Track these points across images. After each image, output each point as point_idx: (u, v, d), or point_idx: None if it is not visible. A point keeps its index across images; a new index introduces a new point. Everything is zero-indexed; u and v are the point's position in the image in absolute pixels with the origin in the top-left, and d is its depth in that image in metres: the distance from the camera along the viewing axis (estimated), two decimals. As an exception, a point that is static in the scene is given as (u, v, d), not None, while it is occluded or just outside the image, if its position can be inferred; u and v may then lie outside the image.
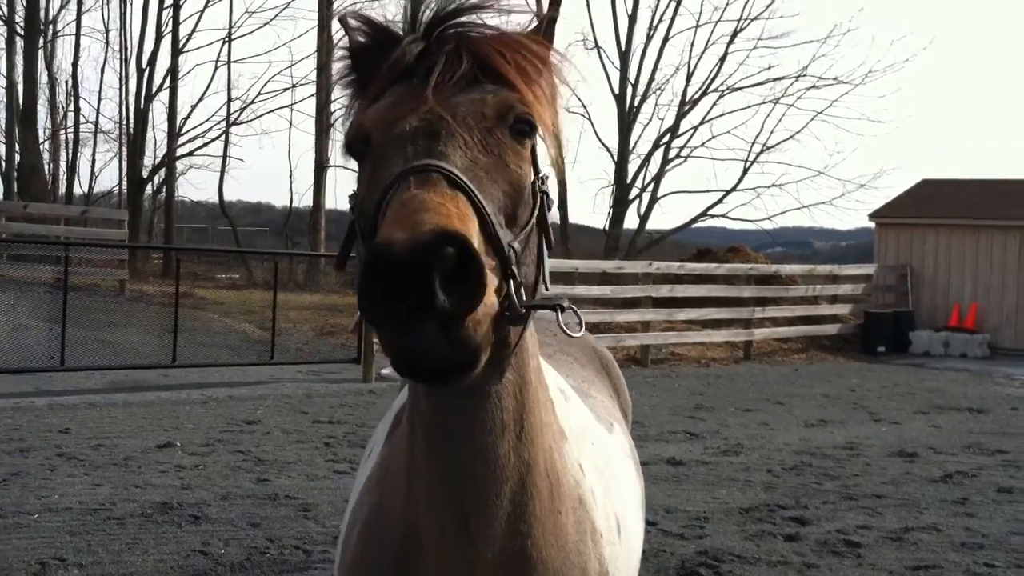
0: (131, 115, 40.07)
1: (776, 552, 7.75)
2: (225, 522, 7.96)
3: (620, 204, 31.22)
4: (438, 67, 2.08)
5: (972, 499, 9.77)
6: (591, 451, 2.82)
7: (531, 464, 2.30)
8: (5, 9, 38.10)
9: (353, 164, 2.23)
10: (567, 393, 2.91)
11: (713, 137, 33.04)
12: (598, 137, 34.61)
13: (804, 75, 31.59)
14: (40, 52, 40.94)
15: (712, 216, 31.85)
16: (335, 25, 2.38)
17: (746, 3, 31.87)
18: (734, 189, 31.57)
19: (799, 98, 31.97)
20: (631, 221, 31.91)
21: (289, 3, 41.16)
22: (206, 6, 39.21)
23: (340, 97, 2.35)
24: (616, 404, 3.75)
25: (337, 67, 2.33)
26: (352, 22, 2.27)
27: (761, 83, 31.97)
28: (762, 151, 31.76)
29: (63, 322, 14.66)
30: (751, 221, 32.26)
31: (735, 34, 31.69)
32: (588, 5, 41.02)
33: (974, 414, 15.66)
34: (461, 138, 2.00)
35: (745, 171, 31.77)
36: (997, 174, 37.61)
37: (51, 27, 43.53)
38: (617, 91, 31.80)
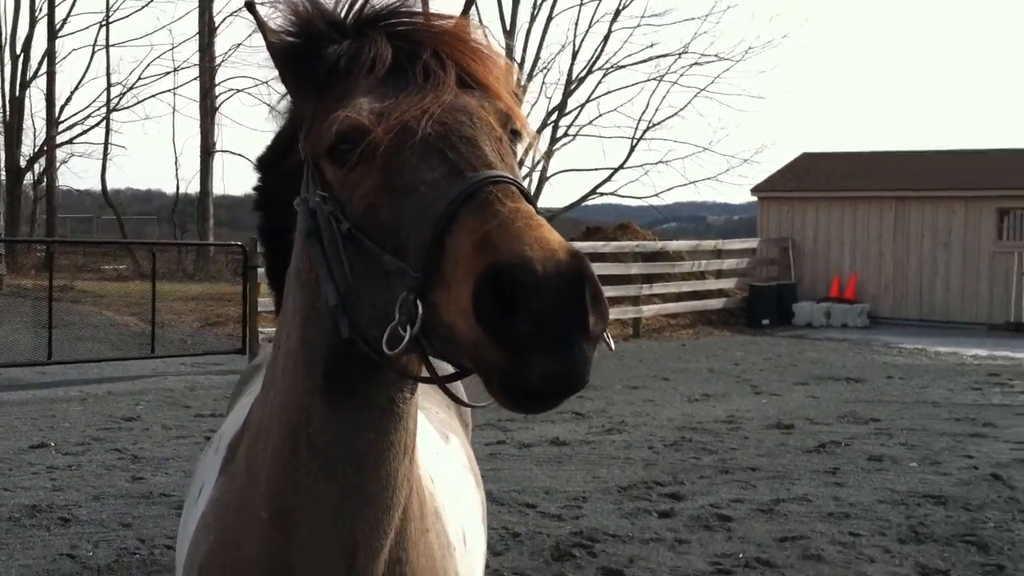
0: (7, 103, 38.81)
1: (650, 529, 7.89)
2: (96, 523, 7.81)
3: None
4: (433, 69, 1.99)
5: (843, 468, 10.05)
6: (436, 461, 2.74)
7: (412, 484, 2.23)
8: None
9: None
10: None
11: (600, 115, 33.20)
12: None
13: (686, 52, 32.00)
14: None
15: (601, 194, 32.18)
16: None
17: (628, -20, 32.12)
18: (622, 167, 31.88)
19: (682, 75, 32.40)
20: (521, 200, 31.97)
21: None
22: (81, -11, 38.14)
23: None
24: (453, 415, 3.60)
25: (264, 56, 2.18)
26: (275, 13, 2.14)
27: (644, 60, 32.31)
28: (648, 128, 32.13)
29: (-70, 322, 14.16)
30: (640, 198, 32.63)
31: (618, 12, 31.97)
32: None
33: (851, 383, 16.10)
34: (490, 145, 1.90)
35: (632, 148, 32.11)
36: (874, 147, 38.56)
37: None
38: (503, 70, 31.85)
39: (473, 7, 30.56)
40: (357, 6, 2.13)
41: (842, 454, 10.75)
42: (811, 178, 28.27)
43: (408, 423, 2.16)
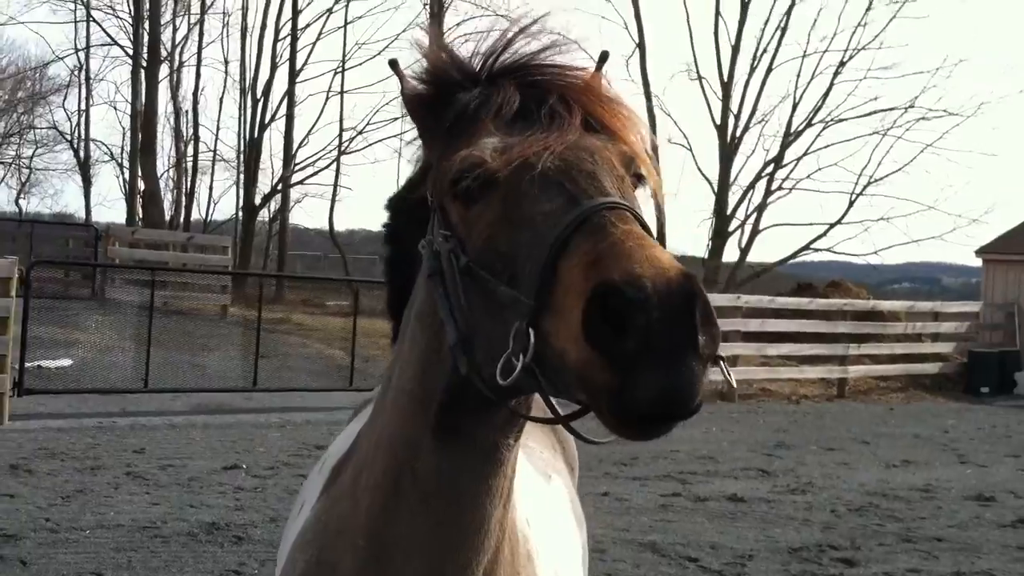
0: (246, 144, 41.25)
1: (812, 594, 7.59)
2: (267, 543, 8.12)
3: (719, 236, 30.85)
4: (559, 112, 2.02)
5: (1040, 547, 9.40)
6: (533, 503, 2.75)
7: (505, 529, 2.24)
8: (131, 41, 39.83)
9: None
10: None
11: (819, 169, 32.46)
12: (698, 167, 34.27)
13: (913, 107, 30.90)
14: (166, 83, 42.58)
15: (816, 249, 31.34)
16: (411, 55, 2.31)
17: (853, 33, 31.31)
18: (839, 222, 31.00)
19: (908, 130, 31.25)
20: (731, 254, 31.57)
21: (399, 36, 41.76)
22: (319, 38, 40.22)
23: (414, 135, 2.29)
24: (558, 456, 3.57)
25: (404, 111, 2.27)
26: (413, 66, 2.24)
27: (868, 114, 31.37)
28: (869, 183, 31.16)
29: (148, 344, 15.12)
30: (856, 255, 31.59)
31: (842, 64, 31.22)
32: (691, 35, 40.69)
33: (1070, 459, 15.02)
34: (610, 180, 1.91)
35: (851, 204, 31.18)
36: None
37: (176, 58, 45.13)
38: (719, 121, 31.58)
39: (693, 63, 30.49)
40: (491, 58, 2.18)
41: (1042, 532, 10.04)
42: (1041, 241, 26.71)
43: (507, 469, 2.18)
